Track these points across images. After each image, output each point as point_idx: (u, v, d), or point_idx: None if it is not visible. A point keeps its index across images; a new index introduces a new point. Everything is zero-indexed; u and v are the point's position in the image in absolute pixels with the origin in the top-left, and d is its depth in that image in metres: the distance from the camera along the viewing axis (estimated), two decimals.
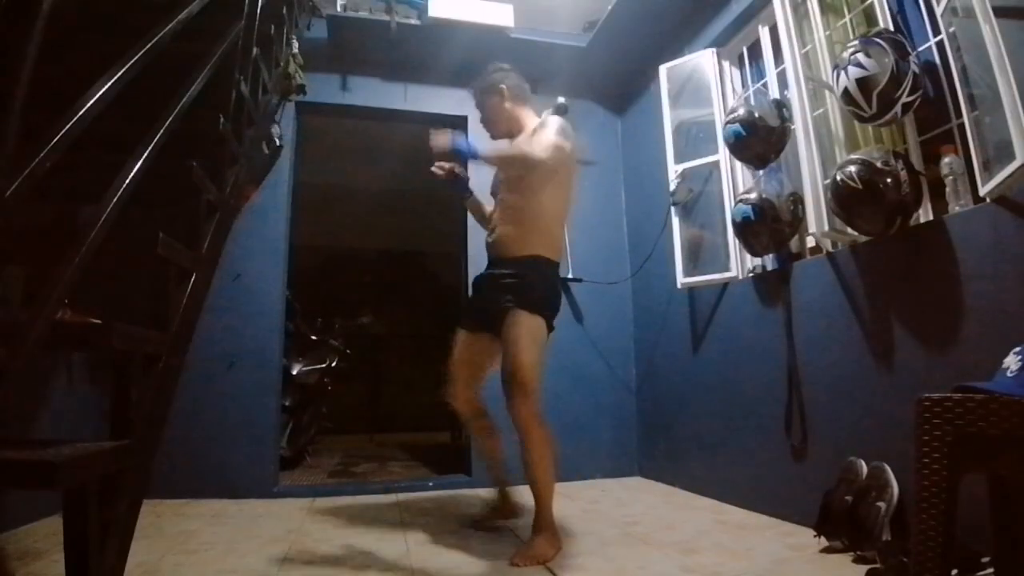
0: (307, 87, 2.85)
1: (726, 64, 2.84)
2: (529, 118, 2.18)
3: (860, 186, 1.72)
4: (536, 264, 2.01)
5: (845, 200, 1.78)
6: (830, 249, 2.06)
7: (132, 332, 1.12)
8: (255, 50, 1.94)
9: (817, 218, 1.98)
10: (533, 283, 1.97)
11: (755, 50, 2.71)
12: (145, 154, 1.15)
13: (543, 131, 2.01)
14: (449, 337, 2.19)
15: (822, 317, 2.06)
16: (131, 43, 1.14)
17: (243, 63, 1.79)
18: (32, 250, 1.20)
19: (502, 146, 2.13)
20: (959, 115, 1.66)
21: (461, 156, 2.01)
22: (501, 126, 2.18)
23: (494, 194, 2.25)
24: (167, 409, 1.30)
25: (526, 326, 1.92)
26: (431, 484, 3.11)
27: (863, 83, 1.72)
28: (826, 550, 1.74)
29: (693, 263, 2.82)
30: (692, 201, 2.87)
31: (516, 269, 2.00)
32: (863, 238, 1.90)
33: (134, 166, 1.12)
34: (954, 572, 1.22)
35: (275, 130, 2.73)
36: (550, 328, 2.02)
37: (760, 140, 2.29)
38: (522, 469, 1.90)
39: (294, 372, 3.85)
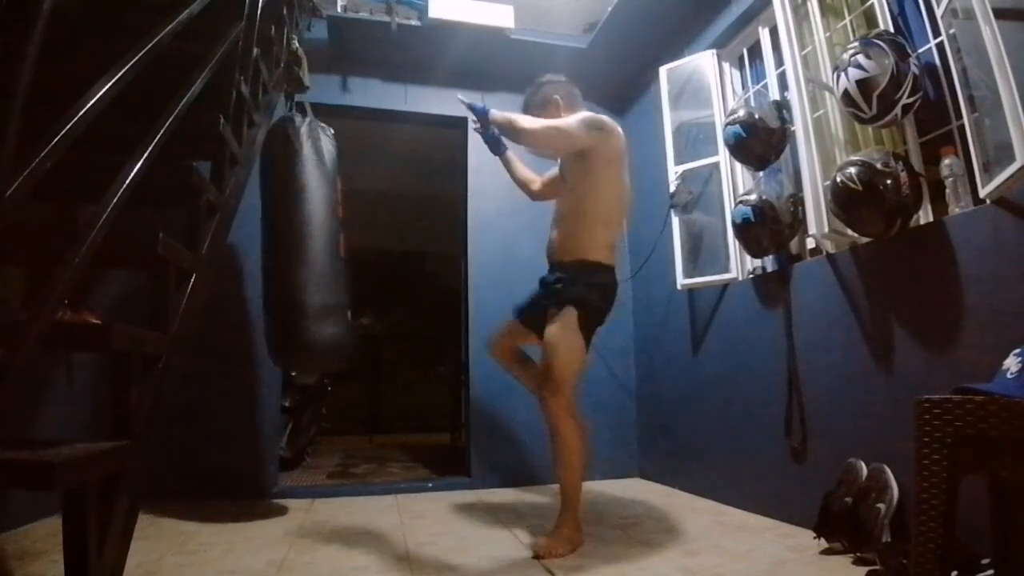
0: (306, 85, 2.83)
1: (726, 65, 2.85)
2: None
3: (860, 187, 1.72)
4: (583, 269, 2.02)
5: (845, 201, 1.78)
6: (830, 250, 2.06)
7: (132, 332, 1.12)
8: (255, 50, 1.94)
9: (817, 219, 1.98)
10: (575, 284, 1.99)
11: (755, 51, 2.71)
12: (145, 154, 1.15)
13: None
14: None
15: (822, 318, 2.06)
16: (131, 43, 1.14)
17: (243, 63, 1.79)
18: (32, 250, 1.20)
19: (522, 121, 2.07)
20: (959, 117, 1.66)
21: (475, 111, 2.12)
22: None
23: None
24: (162, 409, 1.30)
25: (563, 327, 1.95)
26: (430, 485, 3.11)
27: (863, 85, 1.72)
28: (826, 552, 1.74)
29: (693, 264, 2.82)
30: (692, 202, 2.87)
31: (563, 273, 2.03)
32: (863, 239, 1.90)
33: (134, 166, 1.12)
34: (954, 573, 1.22)
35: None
36: (592, 327, 2.01)
37: (760, 141, 2.29)
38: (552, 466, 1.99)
39: (294, 373, 3.85)
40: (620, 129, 2.10)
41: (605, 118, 2.08)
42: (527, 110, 2.20)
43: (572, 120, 2.03)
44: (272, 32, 2.25)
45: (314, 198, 2.42)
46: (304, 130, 2.48)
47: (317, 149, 2.49)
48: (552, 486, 3.02)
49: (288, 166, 2.42)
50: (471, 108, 2.13)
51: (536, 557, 1.78)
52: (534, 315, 2.10)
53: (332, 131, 2.62)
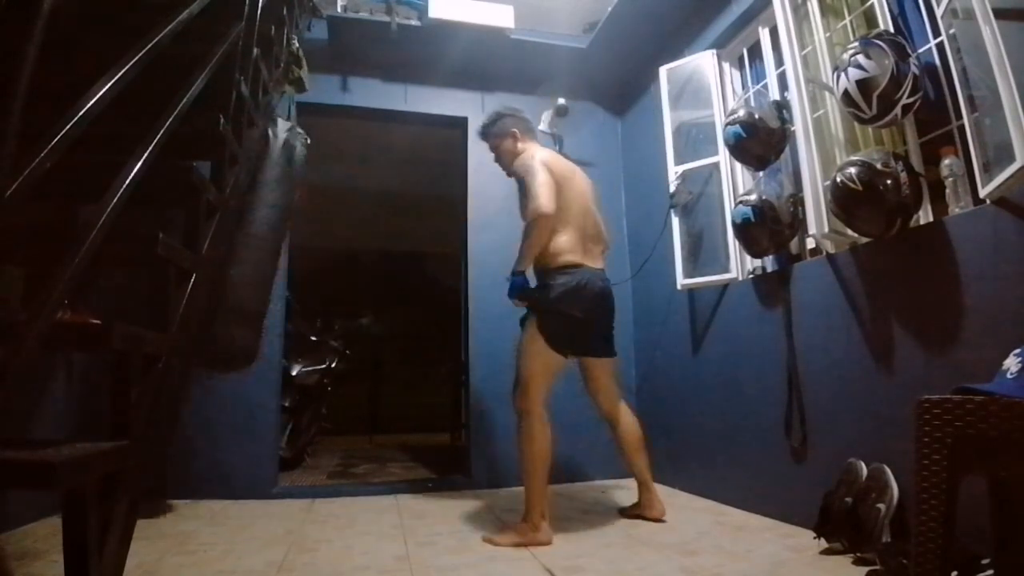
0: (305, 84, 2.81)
1: (726, 65, 2.85)
2: (534, 148, 2.35)
3: (860, 187, 1.72)
4: (542, 275, 2.21)
5: (845, 201, 1.78)
6: (830, 250, 2.06)
7: (132, 332, 1.12)
8: (255, 51, 1.94)
9: (817, 219, 1.98)
10: (536, 289, 2.18)
11: (755, 51, 2.71)
12: (145, 154, 1.15)
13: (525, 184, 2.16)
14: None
15: (822, 318, 2.06)
16: (131, 43, 1.14)
17: (243, 64, 1.79)
18: (32, 250, 1.20)
19: (524, 250, 2.12)
20: (959, 117, 1.66)
21: (518, 290, 2.14)
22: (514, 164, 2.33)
23: None
24: (169, 409, 1.30)
25: (526, 334, 2.16)
26: (430, 485, 3.11)
27: (863, 85, 1.72)
28: (826, 552, 1.74)
29: (693, 264, 2.82)
30: (692, 202, 2.88)
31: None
32: (863, 239, 1.90)
33: (134, 166, 1.12)
34: (954, 573, 1.22)
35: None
36: (553, 327, 2.10)
37: (760, 141, 2.29)
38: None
39: (294, 373, 3.85)
40: (548, 154, 2.29)
41: (540, 158, 2.20)
42: (486, 138, 2.44)
43: (534, 188, 2.10)
44: (272, 32, 2.25)
45: (268, 201, 2.32)
46: (282, 134, 2.40)
47: (288, 156, 2.40)
48: (551, 487, 3.02)
49: (257, 165, 2.31)
50: (514, 291, 2.13)
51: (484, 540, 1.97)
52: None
53: (308, 139, 2.53)
